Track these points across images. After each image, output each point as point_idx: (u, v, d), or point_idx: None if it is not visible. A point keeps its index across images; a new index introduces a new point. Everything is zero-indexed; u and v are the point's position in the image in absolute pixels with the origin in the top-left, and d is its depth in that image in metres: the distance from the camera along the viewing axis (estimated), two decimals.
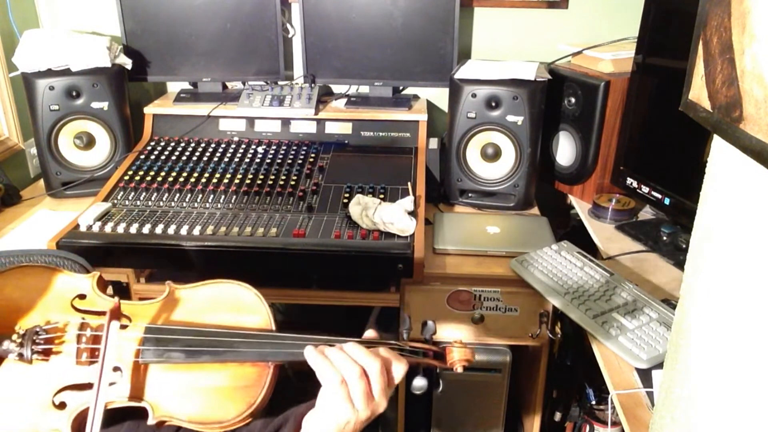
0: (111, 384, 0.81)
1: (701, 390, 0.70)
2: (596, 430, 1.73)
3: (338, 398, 0.76)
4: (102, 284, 0.91)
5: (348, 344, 0.81)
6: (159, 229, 1.55)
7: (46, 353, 0.82)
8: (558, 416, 1.80)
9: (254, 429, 0.87)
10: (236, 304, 0.89)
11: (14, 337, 0.81)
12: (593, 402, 1.69)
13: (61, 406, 0.80)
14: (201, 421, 0.81)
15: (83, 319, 0.85)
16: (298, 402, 0.87)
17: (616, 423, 1.63)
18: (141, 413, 0.84)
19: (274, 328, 0.88)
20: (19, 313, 0.84)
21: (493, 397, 1.81)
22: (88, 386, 0.81)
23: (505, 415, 1.85)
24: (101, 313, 0.85)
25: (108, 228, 1.56)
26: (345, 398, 0.76)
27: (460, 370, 0.85)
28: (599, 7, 2.09)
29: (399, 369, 0.80)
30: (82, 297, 0.88)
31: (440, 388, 0.87)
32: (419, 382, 0.82)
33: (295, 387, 0.92)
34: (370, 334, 0.86)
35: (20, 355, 0.80)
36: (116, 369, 0.83)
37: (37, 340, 0.81)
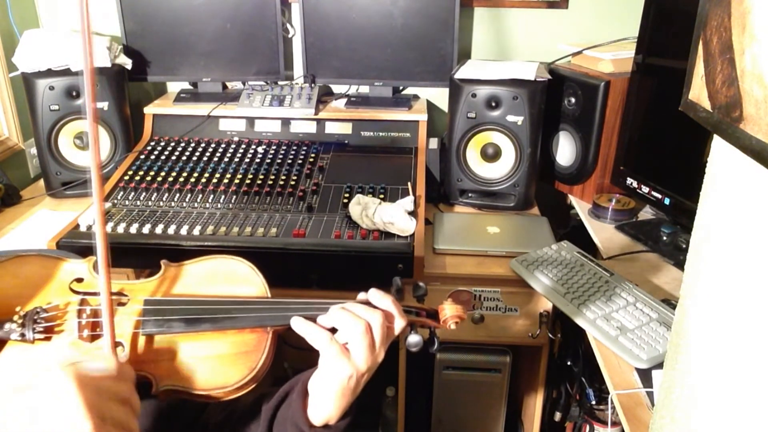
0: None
1: (701, 390, 0.70)
2: (596, 430, 1.73)
3: (333, 357, 0.78)
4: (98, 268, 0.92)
5: (346, 304, 0.83)
6: (159, 229, 1.55)
7: (48, 332, 0.83)
8: (558, 416, 1.80)
9: (261, 400, 0.88)
10: (231, 277, 0.92)
11: (15, 318, 0.82)
12: (593, 402, 1.68)
13: None
14: (204, 387, 0.83)
15: (83, 296, 0.86)
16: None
17: (616, 423, 1.63)
18: (142, 393, 0.85)
19: (269, 296, 0.90)
20: (19, 299, 0.85)
21: (493, 397, 1.81)
22: None
23: (505, 415, 1.85)
24: (98, 295, 0.86)
25: (108, 228, 1.56)
26: (342, 356, 0.77)
27: (453, 327, 0.88)
28: (599, 7, 2.09)
29: (398, 321, 0.83)
30: (79, 280, 0.89)
31: (435, 346, 0.89)
32: (413, 339, 0.85)
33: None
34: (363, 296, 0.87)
35: (22, 335, 0.81)
36: (117, 344, 0.83)
37: (38, 320, 0.82)
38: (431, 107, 2.19)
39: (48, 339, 0.83)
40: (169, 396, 0.84)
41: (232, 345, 0.85)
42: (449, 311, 0.88)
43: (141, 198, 1.71)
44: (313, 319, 0.82)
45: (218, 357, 0.84)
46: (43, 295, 0.87)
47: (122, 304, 0.86)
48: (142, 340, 0.84)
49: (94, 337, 0.83)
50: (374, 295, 0.85)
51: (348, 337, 0.78)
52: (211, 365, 0.84)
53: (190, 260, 0.94)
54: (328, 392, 0.78)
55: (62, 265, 0.91)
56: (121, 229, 1.56)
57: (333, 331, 0.81)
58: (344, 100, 2.12)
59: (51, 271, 0.89)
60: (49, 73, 1.84)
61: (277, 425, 0.84)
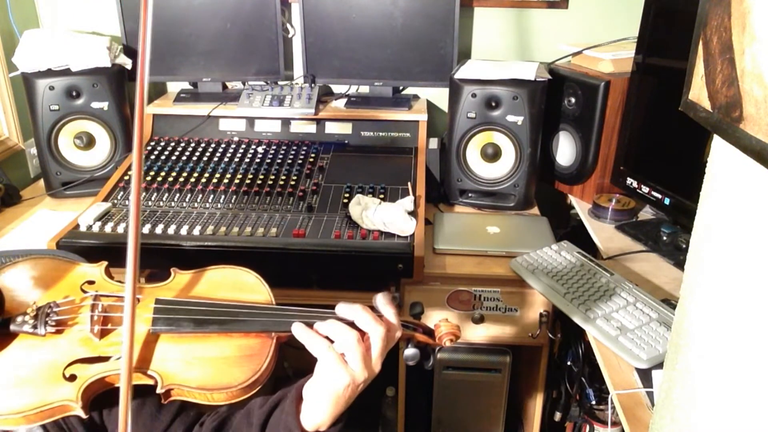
0: (119, 358, 0.83)
1: (701, 390, 0.70)
2: (596, 430, 1.73)
3: (333, 366, 0.79)
4: (109, 272, 0.95)
5: (348, 307, 0.85)
6: (159, 229, 1.55)
7: (60, 325, 0.85)
8: (558, 416, 1.80)
9: (254, 406, 0.90)
10: (239, 285, 0.95)
11: (29, 310, 0.84)
12: (593, 402, 1.68)
13: (72, 378, 0.83)
14: (208, 387, 0.84)
15: (96, 292, 0.89)
16: None
17: (616, 423, 1.63)
18: (144, 393, 0.87)
19: (275, 305, 0.93)
20: (32, 296, 0.88)
21: (493, 397, 1.81)
22: (97, 359, 0.84)
23: (505, 415, 1.85)
24: (110, 296, 0.90)
25: (108, 228, 1.56)
26: (340, 365, 0.79)
27: (448, 344, 0.91)
28: (599, 7, 2.09)
29: (396, 332, 0.85)
30: (90, 282, 0.92)
31: (430, 363, 0.92)
32: (410, 352, 0.88)
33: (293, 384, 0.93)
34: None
35: (34, 327, 0.83)
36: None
37: (50, 314, 0.84)
38: (431, 107, 2.19)
39: (60, 332, 0.85)
40: (173, 396, 0.85)
41: (237, 348, 0.87)
42: (445, 328, 0.91)
43: (141, 198, 1.71)
44: (311, 326, 0.84)
45: (223, 358, 0.86)
46: (56, 293, 0.90)
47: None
48: (151, 339, 0.86)
49: (103, 333, 0.85)
50: (380, 300, 0.87)
51: (344, 347, 0.81)
52: (216, 366, 0.86)
53: (199, 269, 0.97)
54: (322, 399, 0.80)
55: (75, 267, 0.94)
56: (121, 229, 1.56)
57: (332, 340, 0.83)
58: (344, 100, 2.12)
59: (64, 273, 0.93)
60: (49, 73, 1.84)
61: (269, 430, 0.85)
